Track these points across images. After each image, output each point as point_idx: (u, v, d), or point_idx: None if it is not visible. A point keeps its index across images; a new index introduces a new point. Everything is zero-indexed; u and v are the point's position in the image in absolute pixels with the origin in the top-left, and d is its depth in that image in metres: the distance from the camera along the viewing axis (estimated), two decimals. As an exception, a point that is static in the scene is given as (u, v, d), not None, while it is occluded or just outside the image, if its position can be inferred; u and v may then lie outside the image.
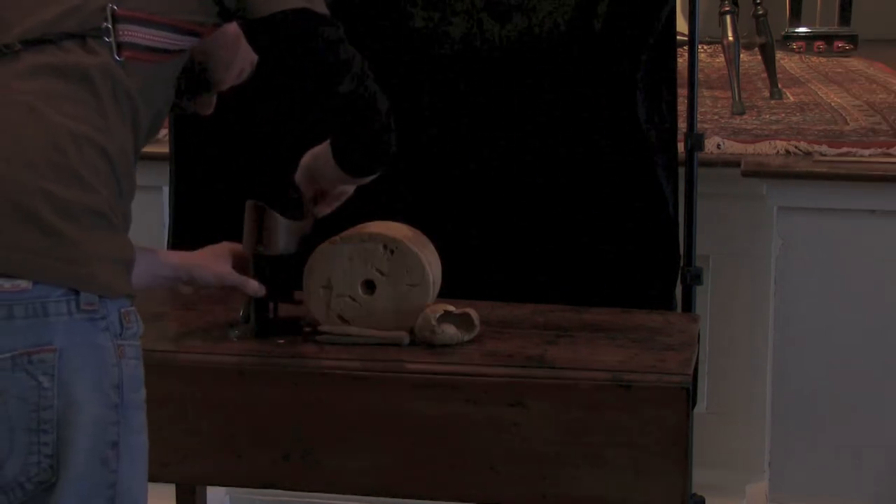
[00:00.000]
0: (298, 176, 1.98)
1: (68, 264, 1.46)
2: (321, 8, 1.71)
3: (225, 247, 2.00)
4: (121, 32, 1.56)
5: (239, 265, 2.00)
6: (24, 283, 1.44)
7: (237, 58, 1.85)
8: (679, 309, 2.37)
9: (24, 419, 1.45)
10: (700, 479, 2.19)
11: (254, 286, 1.99)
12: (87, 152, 1.49)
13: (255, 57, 1.84)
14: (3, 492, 1.46)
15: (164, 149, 2.52)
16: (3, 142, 1.47)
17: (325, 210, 2.00)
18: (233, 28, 1.78)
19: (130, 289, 1.54)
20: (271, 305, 2.05)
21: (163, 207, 2.74)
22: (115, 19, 1.56)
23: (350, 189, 1.98)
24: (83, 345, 1.47)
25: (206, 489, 2.49)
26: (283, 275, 2.02)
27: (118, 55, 1.55)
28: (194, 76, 1.80)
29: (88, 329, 1.47)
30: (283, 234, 1.99)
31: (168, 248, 2.52)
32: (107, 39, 1.55)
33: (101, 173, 1.51)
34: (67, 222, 1.46)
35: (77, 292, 1.46)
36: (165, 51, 1.61)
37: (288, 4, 1.66)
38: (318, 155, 1.92)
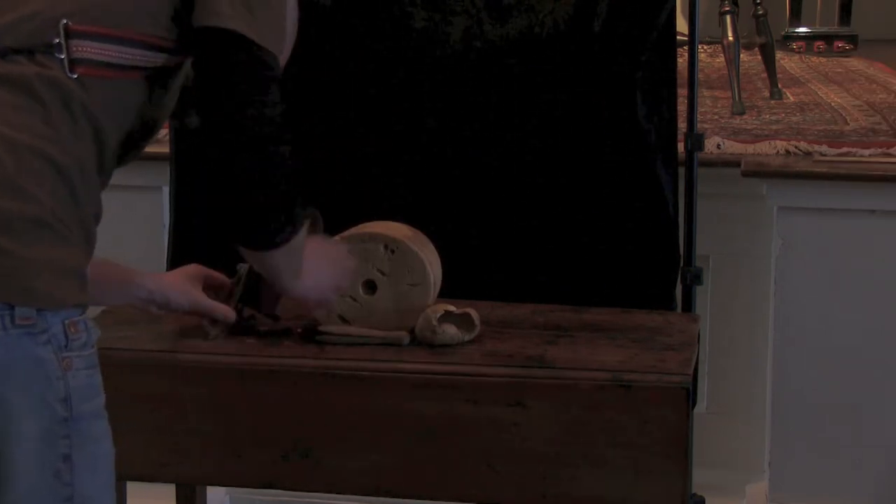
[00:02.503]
0: None
1: (2, 279, 1.42)
2: (266, 42, 1.57)
3: (195, 269, 2.00)
4: (74, 48, 1.49)
5: (210, 288, 2.00)
6: None
7: None
8: (679, 309, 2.37)
9: None
10: (700, 479, 2.19)
11: (224, 311, 1.99)
12: (28, 161, 1.44)
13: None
14: None
15: (165, 149, 2.52)
16: None
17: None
18: None
19: (78, 298, 1.49)
20: (240, 305, 2.05)
21: (163, 208, 2.74)
22: (69, 35, 1.49)
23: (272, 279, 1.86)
24: (22, 359, 1.43)
25: (206, 489, 2.49)
26: (272, 292, 2.03)
27: (71, 72, 1.49)
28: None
29: (27, 343, 1.43)
30: None
31: (168, 248, 2.52)
32: (58, 56, 1.49)
33: (45, 182, 1.45)
34: (4, 235, 1.42)
35: (12, 307, 1.42)
36: (135, 67, 1.55)
37: (222, 23, 1.54)
38: None
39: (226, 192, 1.62)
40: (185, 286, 1.95)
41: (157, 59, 1.57)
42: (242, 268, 2.03)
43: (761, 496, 2.64)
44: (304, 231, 1.71)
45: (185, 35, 1.58)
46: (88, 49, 1.50)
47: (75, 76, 1.49)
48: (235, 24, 1.54)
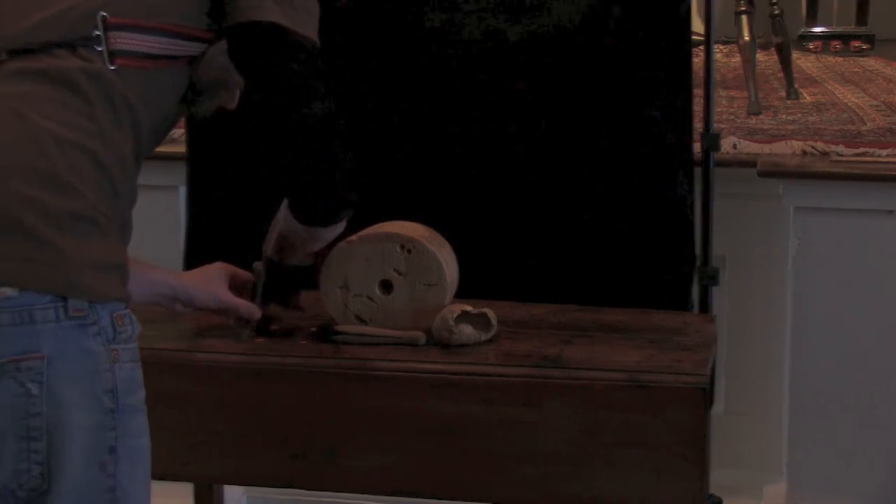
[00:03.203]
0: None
1: (54, 271, 1.44)
2: (307, 31, 1.64)
3: (220, 268, 2.00)
4: (112, 40, 1.52)
5: (234, 286, 2.01)
6: (9, 291, 1.42)
7: None
8: (696, 309, 2.36)
9: (13, 427, 1.43)
10: (717, 479, 2.18)
11: (248, 309, 2.00)
12: (73, 156, 1.47)
13: None
14: None
15: (181, 149, 2.52)
16: None
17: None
18: None
19: (121, 293, 1.51)
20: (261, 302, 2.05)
21: (179, 207, 2.75)
22: (107, 27, 1.52)
23: (314, 245, 1.94)
24: (73, 351, 1.45)
25: (223, 488, 2.50)
26: (293, 282, 2.04)
27: (110, 63, 1.51)
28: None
29: (78, 335, 1.45)
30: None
31: (185, 247, 2.53)
32: (98, 48, 1.51)
33: (88, 177, 1.48)
34: (52, 229, 1.44)
35: (65, 298, 1.44)
36: (168, 57, 1.58)
37: (265, 17, 1.60)
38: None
39: (300, 185, 1.76)
40: (209, 284, 1.96)
41: (191, 48, 1.61)
42: (258, 265, 2.03)
43: (779, 497, 2.64)
44: None
45: (217, 23, 1.61)
46: (126, 40, 1.53)
47: (114, 68, 1.52)
48: (278, 18, 1.59)
